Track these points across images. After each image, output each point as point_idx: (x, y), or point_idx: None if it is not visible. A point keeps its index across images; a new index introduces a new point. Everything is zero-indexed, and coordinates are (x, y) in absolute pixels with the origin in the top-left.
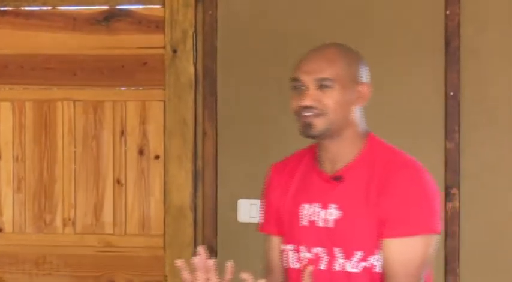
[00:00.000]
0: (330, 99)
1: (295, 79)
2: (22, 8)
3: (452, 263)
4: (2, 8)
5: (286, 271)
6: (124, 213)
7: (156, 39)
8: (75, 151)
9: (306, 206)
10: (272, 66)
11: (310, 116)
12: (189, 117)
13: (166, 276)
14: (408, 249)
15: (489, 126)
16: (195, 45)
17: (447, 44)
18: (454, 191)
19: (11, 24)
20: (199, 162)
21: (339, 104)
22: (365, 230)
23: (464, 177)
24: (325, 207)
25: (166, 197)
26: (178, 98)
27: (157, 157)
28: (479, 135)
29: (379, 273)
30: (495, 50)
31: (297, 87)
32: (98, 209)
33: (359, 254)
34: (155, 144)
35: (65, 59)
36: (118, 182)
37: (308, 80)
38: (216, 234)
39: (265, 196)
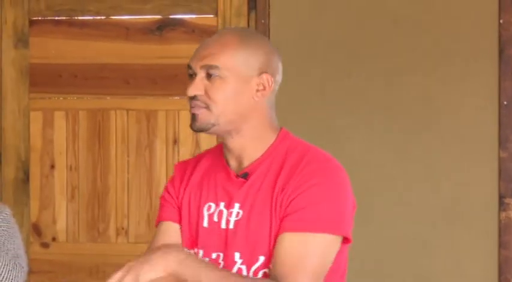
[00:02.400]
0: (218, 90)
1: (188, 66)
2: (76, 18)
3: (506, 273)
4: (55, 18)
5: None
6: None
7: None
8: (128, 160)
9: (211, 205)
10: (324, 74)
11: (195, 107)
12: None
13: None
14: (305, 246)
15: None
16: None
17: (501, 52)
18: (508, 200)
19: (64, 34)
20: None
21: (230, 96)
22: (267, 233)
23: None
24: (229, 206)
25: None
26: None
27: None
28: None
29: None
30: None
31: (191, 76)
32: (151, 218)
33: (261, 260)
34: None
35: (118, 68)
36: None
37: (196, 66)
38: None
39: (165, 191)
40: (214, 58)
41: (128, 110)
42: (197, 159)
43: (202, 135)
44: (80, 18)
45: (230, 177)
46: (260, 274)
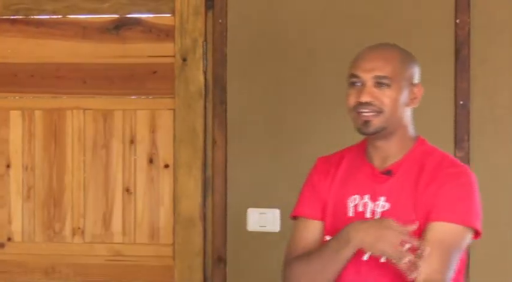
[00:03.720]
0: (388, 97)
1: (354, 75)
2: (32, 17)
3: None
4: (12, 17)
5: None
6: (133, 222)
7: (166, 47)
8: (84, 160)
9: (356, 197)
10: (282, 74)
11: (368, 114)
12: (199, 126)
13: None
14: (448, 234)
15: (499, 135)
16: (205, 53)
17: (457, 52)
18: None
19: (21, 33)
20: (209, 171)
21: (396, 103)
22: (411, 222)
23: None
24: (374, 199)
25: (176, 206)
26: (188, 107)
27: (166, 166)
28: (489, 144)
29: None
30: (505, 59)
31: (355, 84)
32: (107, 218)
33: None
34: (165, 153)
35: (75, 68)
36: (127, 190)
37: (367, 77)
38: (226, 244)
39: (310, 184)
40: (383, 70)
41: (84, 110)
42: (340, 155)
43: (159, 135)
44: (36, 17)
45: (374, 174)
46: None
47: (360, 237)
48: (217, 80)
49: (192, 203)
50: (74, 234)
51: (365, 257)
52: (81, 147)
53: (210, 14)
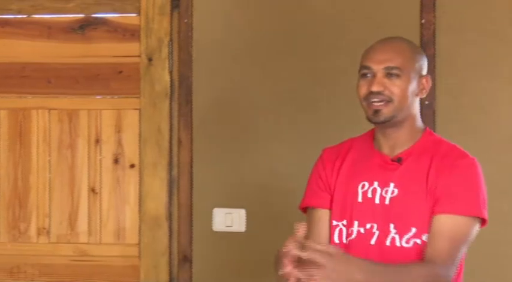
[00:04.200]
0: (398, 87)
1: (365, 67)
2: None
3: None
4: None
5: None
6: (99, 222)
7: (132, 47)
8: (50, 160)
9: (365, 183)
10: (248, 74)
11: (378, 103)
12: (165, 126)
13: None
14: (455, 226)
15: (464, 134)
16: (170, 53)
17: None
18: None
19: None
20: (175, 171)
21: (405, 93)
22: (420, 209)
23: None
24: (383, 185)
25: (142, 206)
26: (153, 107)
27: (132, 166)
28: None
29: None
30: (470, 59)
31: (366, 76)
32: (72, 218)
33: (413, 231)
34: (130, 153)
35: (40, 68)
36: (93, 190)
37: (377, 68)
38: (191, 243)
39: (316, 174)
40: (394, 61)
41: (49, 110)
42: (348, 144)
43: (124, 135)
44: (1, 17)
45: (384, 161)
46: (411, 243)
47: None
48: (183, 80)
49: (157, 202)
50: (39, 234)
51: (372, 241)
52: (47, 147)
53: (175, 13)
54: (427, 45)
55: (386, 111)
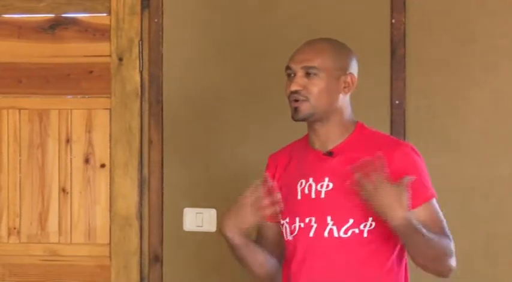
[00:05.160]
0: (316, 86)
1: (288, 67)
2: None
3: None
4: None
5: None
6: (69, 222)
7: (102, 47)
8: (20, 159)
9: (302, 181)
10: (218, 74)
11: (297, 101)
12: (135, 126)
13: None
14: (432, 212)
15: (434, 135)
16: (141, 53)
17: (393, 52)
18: None
19: None
20: (145, 171)
21: (323, 91)
22: (355, 200)
23: None
24: (319, 180)
25: (112, 206)
26: (124, 106)
27: (103, 165)
28: (425, 144)
29: (366, 238)
30: (441, 59)
31: (290, 75)
32: (43, 218)
33: (351, 221)
34: (101, 153)
35: (10, 67)
36: (63, 190)
37: (296, 67)
38: (162, 243)
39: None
40: (312, 60)
41: (20, 109)
42: (290, 148)
43: (95, 135)
44: None
45: (317, 156)
46: (349, 233)
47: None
48: (153, 80)
49: (128, 202)
50: (9, 234)
51: (311, 234)
52: (17, 146)
53: (146, 13)
54: (397, 45)
55: (303, 109)
